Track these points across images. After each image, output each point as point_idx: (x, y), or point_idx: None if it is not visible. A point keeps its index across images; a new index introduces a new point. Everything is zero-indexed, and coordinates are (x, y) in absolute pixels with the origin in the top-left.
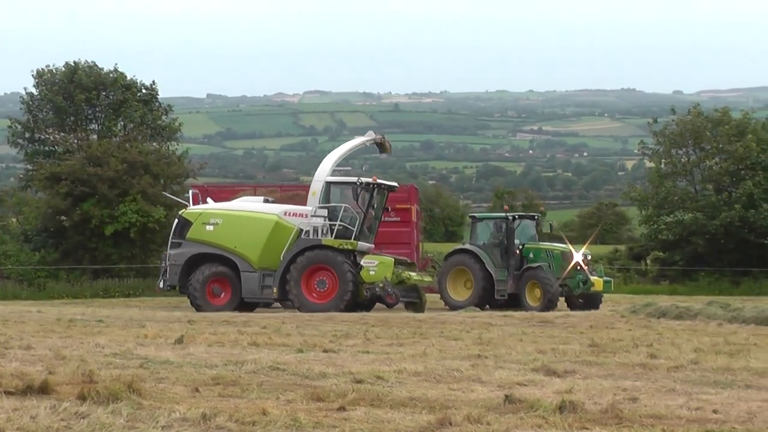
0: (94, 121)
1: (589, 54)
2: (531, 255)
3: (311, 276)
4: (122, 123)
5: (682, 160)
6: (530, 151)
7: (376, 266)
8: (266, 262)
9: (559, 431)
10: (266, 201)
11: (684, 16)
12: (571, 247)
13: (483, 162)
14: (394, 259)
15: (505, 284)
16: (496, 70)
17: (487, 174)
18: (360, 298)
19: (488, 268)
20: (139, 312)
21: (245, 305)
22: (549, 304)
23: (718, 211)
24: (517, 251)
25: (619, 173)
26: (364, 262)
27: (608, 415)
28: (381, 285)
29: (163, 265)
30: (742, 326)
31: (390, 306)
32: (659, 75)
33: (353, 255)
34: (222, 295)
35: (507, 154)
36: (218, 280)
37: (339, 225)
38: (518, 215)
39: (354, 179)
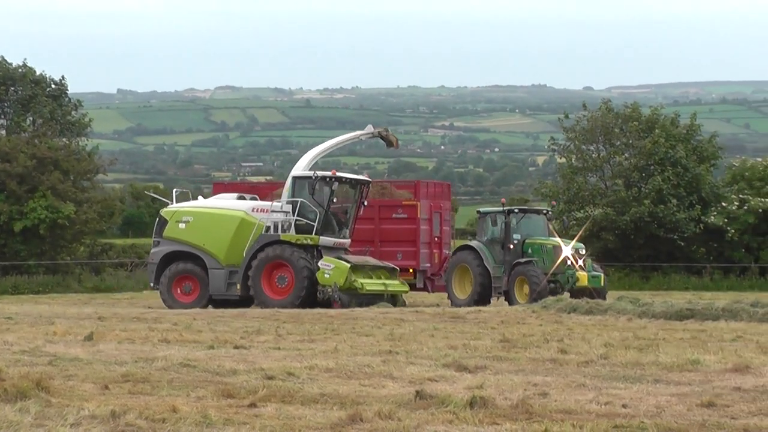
0: (2, 117)
1: (500, 50)
2: (530, 250)
3: (272, 272)
4: (31, 118)
5: (593, 155)
6: (442, 147)
7: (331, 270)
8: (233, 259)
9: (470, 426)
10: (241, 198)
11: (593, 13)
12: (560, 241)
13: (395, 158)
14: (373, 264)
15: (501, 281)
16: (407, 65)
17: (399, 170)
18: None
19: (486, 265)
20: (49, 309)
21: (214, 303)
22: (535, 299)
23: (627, 206)
24: (512, 246)
25: (530, 169)
26: (321, 263)
27: (518, 410)
28: (329, 290)
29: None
30: (651, 321)
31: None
32: (570, 71)
33: (317, 250)
34: (191, 293)
35: (419, 150)
36: (188, 277)
37: (297, 220)
38: (519, 209)
39: (310, 173)
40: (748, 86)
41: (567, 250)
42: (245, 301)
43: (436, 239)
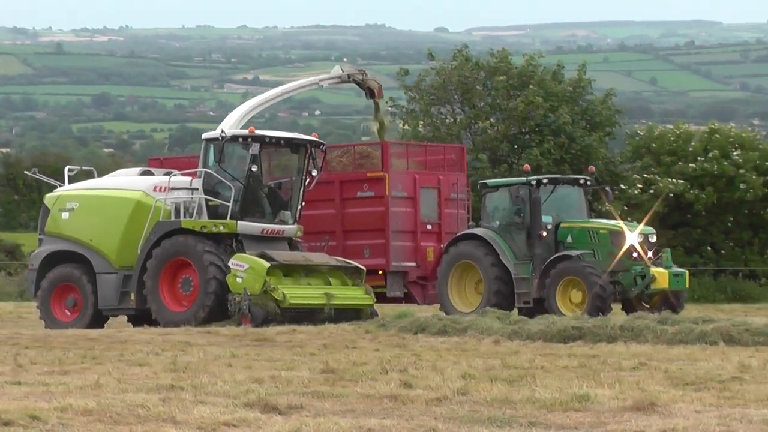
0: None
1: None
2: (569, 238)
3: (175, 274)
4: None
5: (447, 121)
6: None
7: (245, 271)
8: (127, 259)
9: None
10: (146, 173)
11: None
12: (622, 224)
13: (179, 123)
14: (326, 264)
15: (530, 284)
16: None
17: (184, 140)
18: None
19: (504, 261)
20: None
21: (102, 320)
22: (597, 311)
23: None
24: (545, 233)
25: (363, 138)
26: (232, 262)
27: None
28: (238, 300)
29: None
30: (525, 344)
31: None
32: (416, 7)
33: (236, 241)
34: (75, 307)
35: (211, 113)
36: (70, 286)
37: (208, 200)
38: (549, 179)
39: (217, 133)
40: (654, 28)
41: (633, 236)
42: (145, 316)
43: (428, 227)
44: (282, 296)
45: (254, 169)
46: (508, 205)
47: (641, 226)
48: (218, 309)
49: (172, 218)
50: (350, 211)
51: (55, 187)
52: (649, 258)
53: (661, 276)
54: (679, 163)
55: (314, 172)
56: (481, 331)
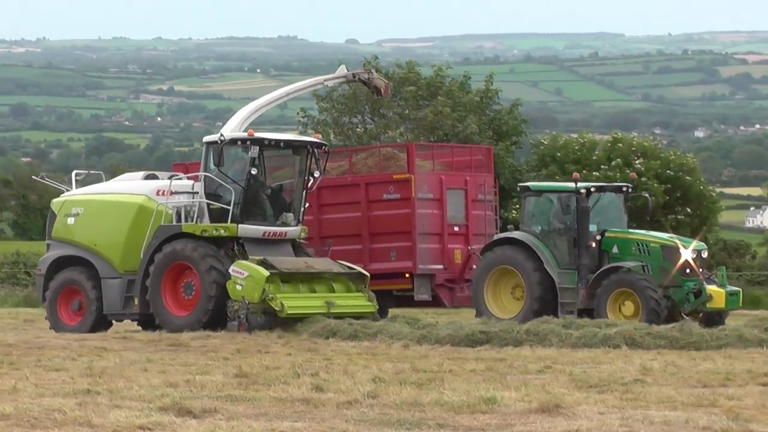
0: None
1: None
2: (615, 249)
3: (177, 278)
4: None
5: (357, 130)
6: (158, 119)
7: (244, 279)
8: (131, 263)
9: None
10: (150, 177)
11: None
12: (676, 239)
13: (95, 133)
14: (327, 270)
15: (575, 294)
16: (112, 10)
17: (100, 149)
18: None
19: (547, 269)
20: None
21: (106, 323)
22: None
23: None
24: (594, 243)
25: None
26: (233, 269)
27: None
28: (236, 308)
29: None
30: (434, 348)
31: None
32: (327, 19)
33: (237, 245)
34: (80, 311)
35: (127, 123)
36: (75, 290)
37: (209, 203)
38: (596, 186)
39: (216, 136)
40: (559, 40)
41: (688, 252)
42: (150, 320)
43: (456, 228)
44: (280, 306)
45: (254, 171)
46: (552, 211)
47: (695, 242)
48: (220, 313)
49: (174, 222)
50: (376, 213)
51: (62, 191)
52: (702, 272)
53: (718, 295)
54: (583, 171)
55: (316, 174)
56: (391, 336)
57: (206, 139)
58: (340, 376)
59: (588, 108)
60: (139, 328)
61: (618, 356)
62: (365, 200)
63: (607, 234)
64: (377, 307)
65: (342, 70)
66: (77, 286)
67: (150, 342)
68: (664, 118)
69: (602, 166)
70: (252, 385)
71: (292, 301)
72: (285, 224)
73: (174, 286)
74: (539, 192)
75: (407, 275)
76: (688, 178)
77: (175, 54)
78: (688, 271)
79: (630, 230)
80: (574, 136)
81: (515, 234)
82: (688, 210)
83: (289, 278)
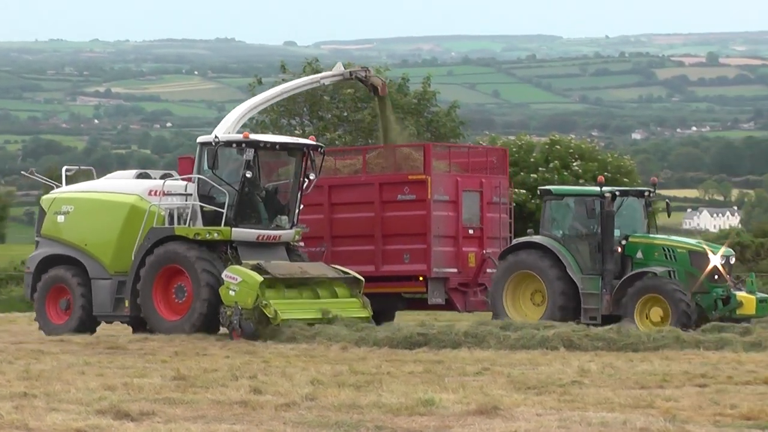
0: None
1: None
2: (639, 254)
3: (169, 282)
4: None
5: (296, 132)
6: (96, 121)
7: (237, 284)
8: (122, 265)
9: None
10: (143, 176)
11: None
12: (704, 245)
13: (31, 135)
14: (321, 275)
15: (599, 300)
16: (49, 12)
17: (37, 151)
18: None
19: (570, 275)
20: None
21: (94, 323)
22: (682, 329)
23: None
24: (620, 248)
25: None
26: (225, 275)
27: None
28: (229, 313)
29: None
30: (372, 350)
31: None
32: (266, 21)
33: (231, 248)
34: (68, 310)
35: (64, 125)
36: (64, 289)
37: (202, 206)
38: (621, 190)
39: (211, 137)
40: (497, 42)
41: (716, 258)
42: (140, 322)
43: (471, 231)
44: (273, 313)
45: (249, 174)
46: (574, 215)
47: (724, 248)
48: (212, 317)
49: (166, 224)
50: (390, 214)
51: (52, 188)
52: (732, 281)
53: (748, 302)
54: (521, 173)
55: (312, 176)
56: (329, 338)
57: (200, 139)
58: (279, 378)
59: (525, 110)
60: (130, 329)
61: (556, 358)
62: (379, 200)
63: (630, 239)
64: (371, 312)
65: (339, 68)
66: (65, 285)
67: (87, 345)
68: (601, 121)
69: (540, 168)
70: (190, 388)
71: (286, 309)
72: (279, 227)
73: (165, 289)
74: (561, 196)
75: (421, 278)
76: (625, 180)
77: (113, 56)
78: (716, 277)
79: (654, 235)
80: (512, 138)
81: (536, 238)
82: None
83: (283, 284)
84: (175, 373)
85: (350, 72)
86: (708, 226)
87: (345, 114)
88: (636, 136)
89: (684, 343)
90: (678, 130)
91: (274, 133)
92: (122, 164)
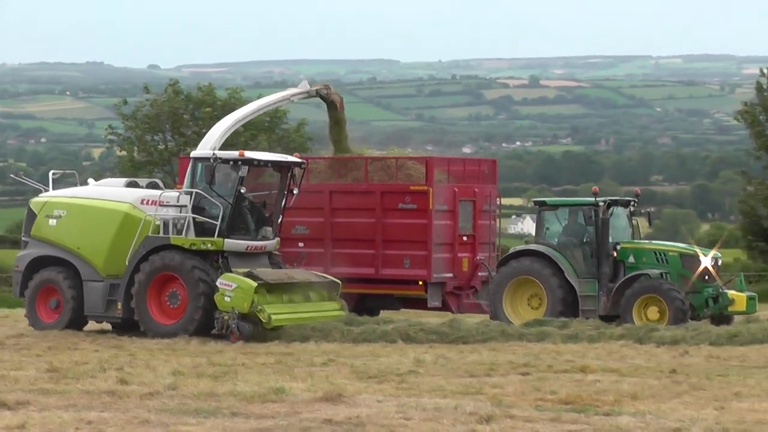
0: None
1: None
2: (631, 258)
3: (162, 288)
4: None
5: (159, 147)
6: None
7: (233, 291)
8: (114, 268)
9: None
10: (132, 185)
11: None
12: (696, 248)
13: None
14: (305, 280)
15: (596, 302)
16: None
17: None
18: None
19: (569, 278)
20: None
21: (82, 322)
22: (678, 325)
23: None
24: (616, 254)
25: (85, 163)
26: (220, 282)
27: None
28: (226, 317)
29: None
30: (229, 343)
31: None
32: (131, 46)
33: (222, 258)
34: (58, 309)
35: None
36: (54, 289)
37: (194, 217)
38: (611, 200)
39: (209, 153)
40: (341, 65)
41: (707, 260)
42: (130, 324)
43: (465, 238)
44: (267, 318)
45: (243, 190)
46: (569, 224)
47: (713, 251)
48: (206, 322)
49: (161, 233)
50: (390, 221)
51: (40, 191)
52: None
53: (739, 299)
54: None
55: (295, 191)
56: (190, 333)
57: (194, 154)
58: (143, 370)
59: (367, 126)
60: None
61: (395, 350)
62: (380, 208)
63: (622, 245)
64: (347, 312)
65: (305, 86)
66: (55, 285)
67: None
68: (435, 136)
69: None
70: (62, 379)
71: (278, 314)
72: (265, 238)
73: (159, 295)
74: (555, 206)
75: (420, 283)
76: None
77: None
78: (707, 277)
79: (642, 241)
80: None
81: (534, 246)
82: None
83: (272, 289)
84: (49, 366)
85: (315, 90)
86: (530, 230)
87: (204, 130)
88: (466, 150)
89: (509, 336)
90: (504, 144)
91: (139, 148)
92: (1, 178)
